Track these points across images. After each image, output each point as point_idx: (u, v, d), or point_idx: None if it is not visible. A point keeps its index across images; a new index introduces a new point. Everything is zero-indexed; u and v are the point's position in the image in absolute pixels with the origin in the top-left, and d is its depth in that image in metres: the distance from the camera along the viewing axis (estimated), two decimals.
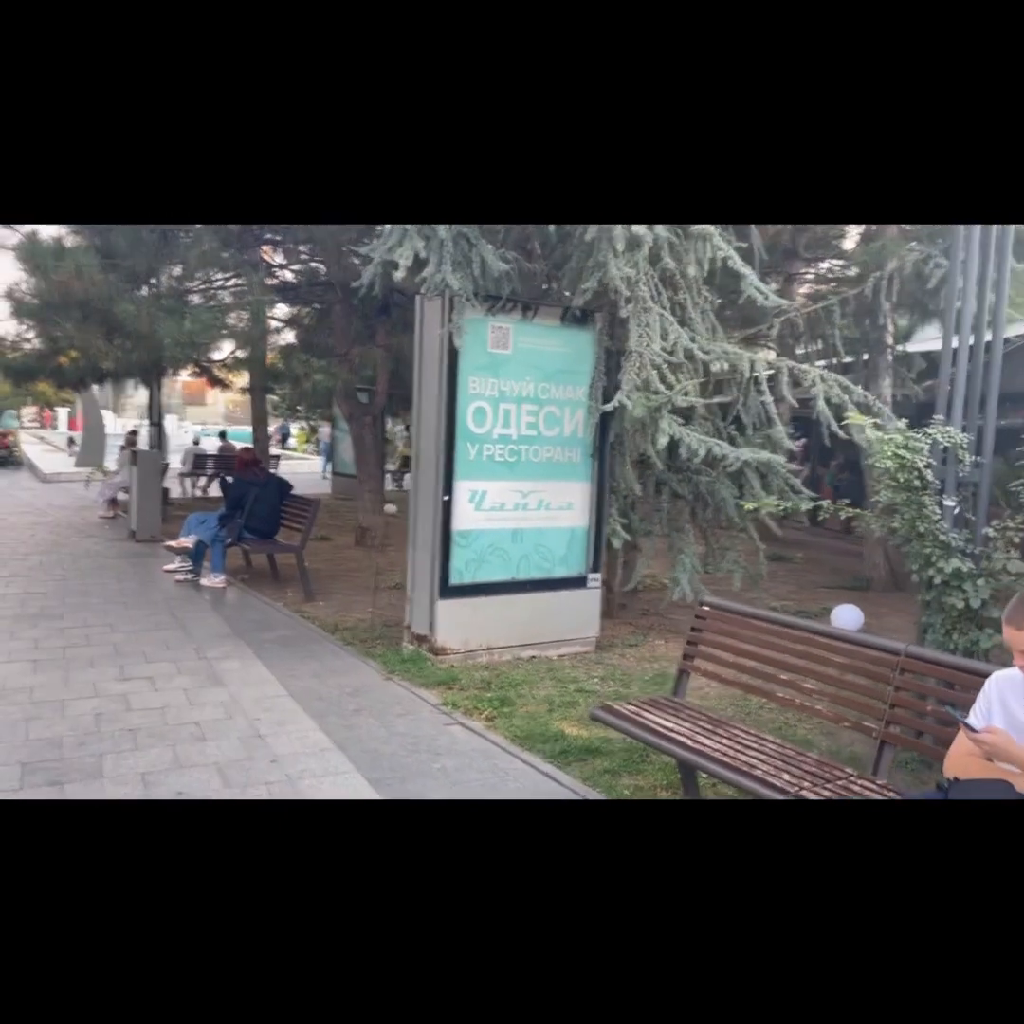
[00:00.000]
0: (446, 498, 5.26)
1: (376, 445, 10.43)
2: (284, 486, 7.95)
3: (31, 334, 10.19)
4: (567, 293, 5.89)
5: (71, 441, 24.59)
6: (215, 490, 14.50)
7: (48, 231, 10.07)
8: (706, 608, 3.57)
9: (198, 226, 8.72)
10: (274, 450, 18.72)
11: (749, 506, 4.68)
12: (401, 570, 7.49)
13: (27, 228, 8.84)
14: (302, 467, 21.49)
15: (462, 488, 5.35)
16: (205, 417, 44.54)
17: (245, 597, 7.28)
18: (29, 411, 41.76)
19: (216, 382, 14.30)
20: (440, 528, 5.27)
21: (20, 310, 9.41)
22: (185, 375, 14.49)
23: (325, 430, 24.65)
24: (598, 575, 5.93)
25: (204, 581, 7.54)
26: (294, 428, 33.05)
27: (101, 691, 4.65)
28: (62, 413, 38.27)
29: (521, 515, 5.62)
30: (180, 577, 7.71)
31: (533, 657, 5.63)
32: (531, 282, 6.29)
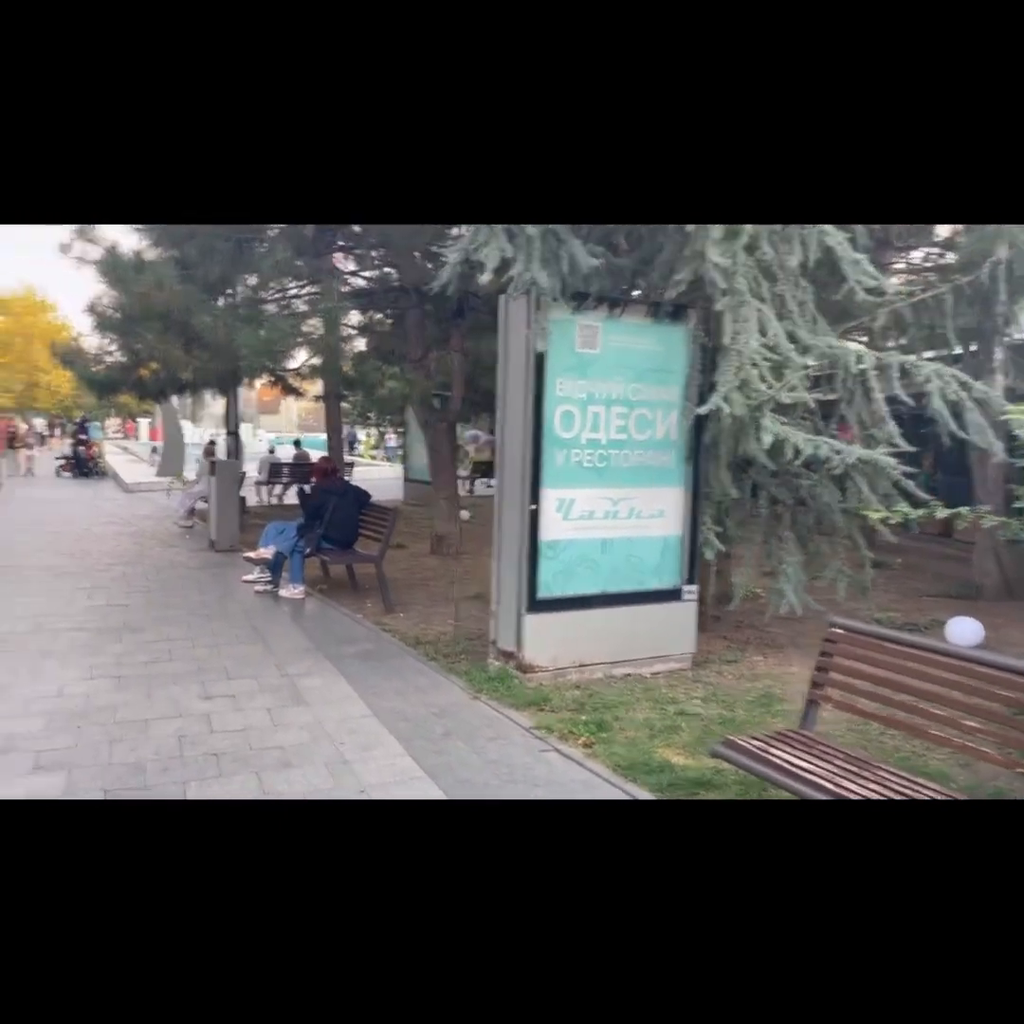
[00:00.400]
0: (533, 507, 4.99)
1: (451, 451, 10.25)
2: (362, 496, 7.81)
3: (113, 347, 10.35)
4: (658, 287, 5.55)
5: (154, 451, 25.19)
6: (290, 497, 14.57)
7: (128, 244, 10.20)
8: (837, 631, 3.19)
9: (274, 233, 8.69)
10: (347, 457, 18.78)
11: (875, 515, 4.24)
12: (478, 579, 7.26)
13: (108, 241, 8.97)
14: (373, 473, 21.55)
15: (549, 496, 5.07)
16: (279, 425, 45.45)
17: (324, 608, 7.15)
18: (113, 422, 43.39)
19: (290, 390, 14.38)
20: (527, 539, 5.00)
21: (103, 324, 9.55)
22: (260, 383, 14.61)
23: (390, 437, 24.66)
24: (694, 587, 5.57)
25: (283, 592, 7.45)
26: (361, 434, 33.36)
27: (184, 710, 4.53)
28: (143, 424, 39.51)
29: (611, 524, 5.31)
30: (259, 588, 7.65)
31: (626, 675, 5.31)
32: (617, 278, 5.97)
